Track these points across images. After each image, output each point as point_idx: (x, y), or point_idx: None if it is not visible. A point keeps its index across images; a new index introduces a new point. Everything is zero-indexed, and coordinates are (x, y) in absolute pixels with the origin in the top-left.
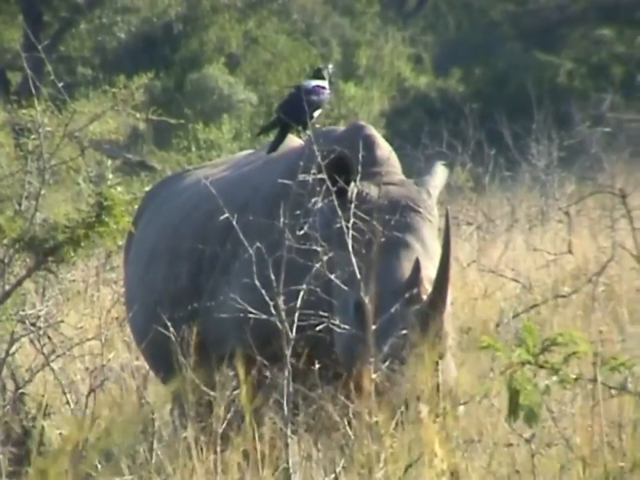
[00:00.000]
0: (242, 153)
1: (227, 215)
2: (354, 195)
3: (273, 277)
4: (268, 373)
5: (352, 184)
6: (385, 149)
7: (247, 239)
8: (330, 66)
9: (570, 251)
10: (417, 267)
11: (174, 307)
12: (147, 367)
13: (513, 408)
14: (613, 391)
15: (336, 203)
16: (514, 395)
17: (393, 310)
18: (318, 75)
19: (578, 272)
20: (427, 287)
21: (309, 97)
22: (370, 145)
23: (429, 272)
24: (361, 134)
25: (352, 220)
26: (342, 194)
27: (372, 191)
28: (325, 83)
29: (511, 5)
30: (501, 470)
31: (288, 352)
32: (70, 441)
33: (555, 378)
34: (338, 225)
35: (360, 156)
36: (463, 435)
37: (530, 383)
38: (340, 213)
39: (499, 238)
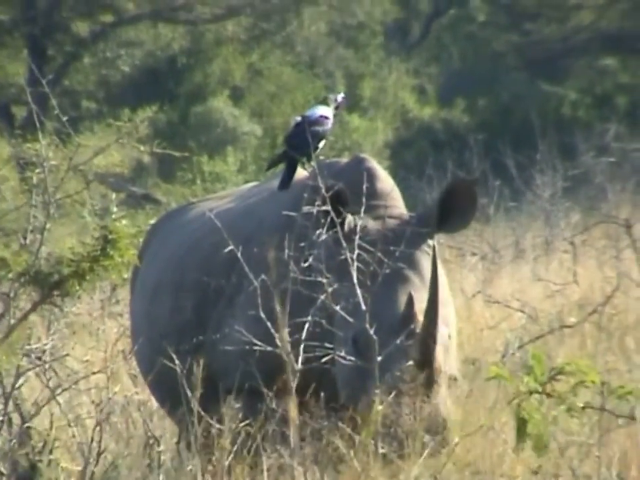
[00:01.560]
0: (247, 185)
1: (231, 247)
2: (352, 228)
3: (278, 308)
4: (274, 405)
5: (349, 217)
6: (385, 182)
7: (251, 271)
8: (340, 95)
9: (575, 281)
10: (410, 302)
11: (179, 340)
12: (153, 399)
13: (521, 437)
14: (620, 421)
15: (340, 234)
16: (521, 423)
17: (392, 345)
18: (323, 102)
19: (584, 302)
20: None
21: (312, 128)
22: (371, 177)
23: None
24: (362, 167)
25: (356, 252)
26: (339, 227)
27: (369, 224)
28: (329, 112)
29: (514, 35)
30: None
31: (293, 384)
32: (76, 474)
33: (562, 407)
34: (340, 258)
35: (364, 187)
36: (470, 467)
37: (538, 412)
38: (339, 245)
39: (504, 268)
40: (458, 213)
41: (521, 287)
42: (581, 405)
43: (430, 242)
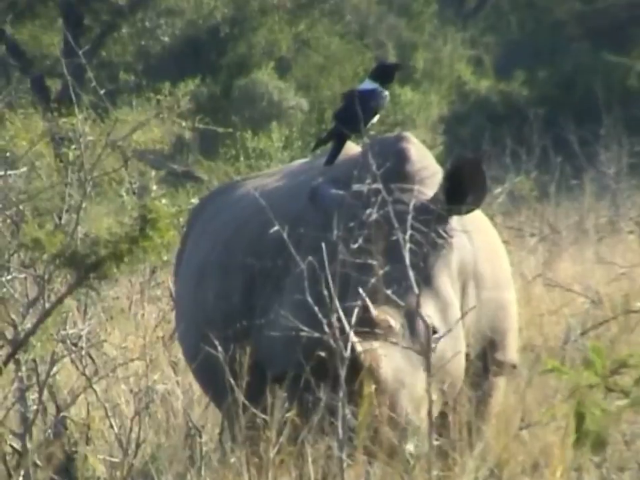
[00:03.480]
0: (297, 162)
1: (277, 227)
2: (410, 206)
3: (325, 292)
4: (322, 395)
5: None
6: (415, 164)
7: (300, 253)
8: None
9: None
10: (364, 307)
11: (226, 325)
12: (195, 388)
13: (580, 434)
14: None
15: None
16: (581, 419)
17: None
18: (381, 73)
19: None
20: (388, 320)
21: (365, 103)
22: (401, 159)
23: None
24: (395, 147)
25: (409, 232)
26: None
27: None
28: (382, 86)
29: (577, 3)
30: None
31: (343, 372)
32: (115, 467)
33: (625, 401)
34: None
35: (392, 169)
36: (530, 459)
37: (598, 408)
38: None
39: (566, 250)
40: (468, 194)
41: (583, 269)
42: None
43: (441, 227)
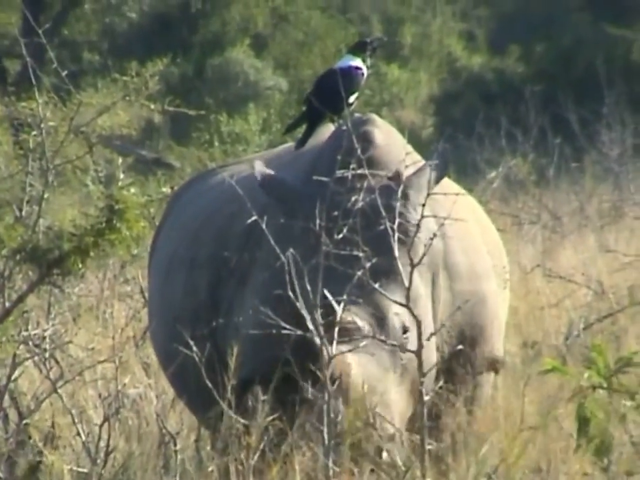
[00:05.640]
0: (283, 147)
1: (252, 217)
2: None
3: (307, 287)
4: (309, 396)
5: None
6: (380, 148)
7: (263, 245)
8: (375, 38)
9: None
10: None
11: (194, 324)
12: (168, 392)
13: (583, 438)
14: None
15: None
16: (583, 423)
17: None
18: (358, 50)
19: None
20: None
21: (344, 80)
22: (364, 143)
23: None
24: (358, 131)
25: (397, 221)
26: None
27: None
28: (360, 63)
29: None
30: None
31: (328, 372)
32: (83, 477)
33: (630, 403)
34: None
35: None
36: (530, 464)
37: (601, 411)
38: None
39: (567, 238)
40: None
41: (585, 259)
42: None
43: (411, 218)
